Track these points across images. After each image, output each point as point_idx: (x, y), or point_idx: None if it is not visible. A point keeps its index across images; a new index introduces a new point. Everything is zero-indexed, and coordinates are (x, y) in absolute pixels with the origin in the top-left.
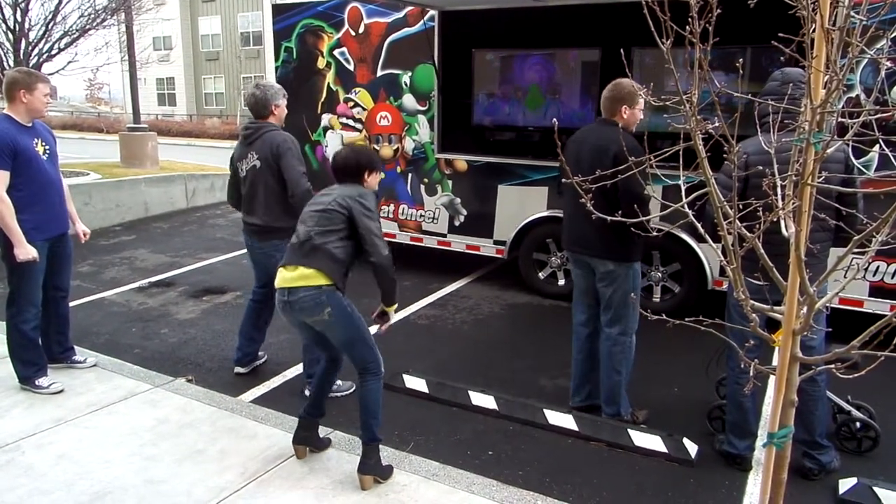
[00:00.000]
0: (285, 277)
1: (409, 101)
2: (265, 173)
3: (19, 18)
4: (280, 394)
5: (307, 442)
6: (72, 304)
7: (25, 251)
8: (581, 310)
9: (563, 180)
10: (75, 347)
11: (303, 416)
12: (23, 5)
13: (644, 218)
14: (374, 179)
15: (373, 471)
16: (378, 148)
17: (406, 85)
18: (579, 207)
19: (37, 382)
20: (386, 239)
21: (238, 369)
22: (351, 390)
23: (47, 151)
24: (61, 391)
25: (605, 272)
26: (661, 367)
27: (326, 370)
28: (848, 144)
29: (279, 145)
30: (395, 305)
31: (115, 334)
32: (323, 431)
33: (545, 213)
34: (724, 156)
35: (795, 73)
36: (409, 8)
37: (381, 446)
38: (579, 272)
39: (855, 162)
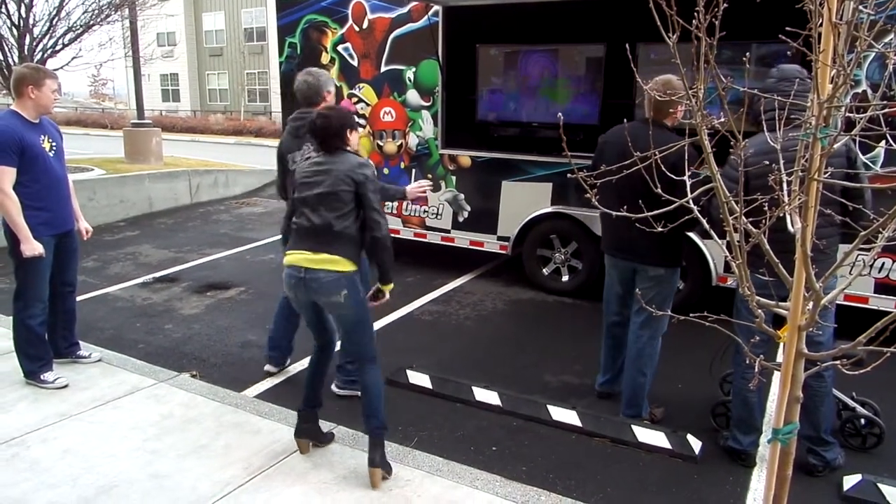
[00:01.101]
0: (306, 258)
1: (412, 96)
2: None
3: (23, 14)
4: (284, 389)
5: (309, 435)
6: (76, 299)
7: (32, 247)
8: (615, 311)
9: (588, 175)
10: (80, 342)
11: (302, 410)
12: (27, 1)
13: (651, 213)
14: (355, 138)
15: (382, 465)
16: (382, 144)
17: (410, 80)
18: (627, 212)
19: (42, 377)
20: (391, 235)
21: (269, 368)
22: None
23: (54, 148)
24: (66, 386)
25: (653, 276)
26: (666, 364)
27: (319, 359)
28: (855, 140)
29: None
30: (392, 285)
31: (120, 329)
32: (326, 426)
33: (549, 210)
34: (731, 150)
35: (792, 69)
36: (414, 3)
37: (384, 441)
38: (618, 275)
39: (860, 154)
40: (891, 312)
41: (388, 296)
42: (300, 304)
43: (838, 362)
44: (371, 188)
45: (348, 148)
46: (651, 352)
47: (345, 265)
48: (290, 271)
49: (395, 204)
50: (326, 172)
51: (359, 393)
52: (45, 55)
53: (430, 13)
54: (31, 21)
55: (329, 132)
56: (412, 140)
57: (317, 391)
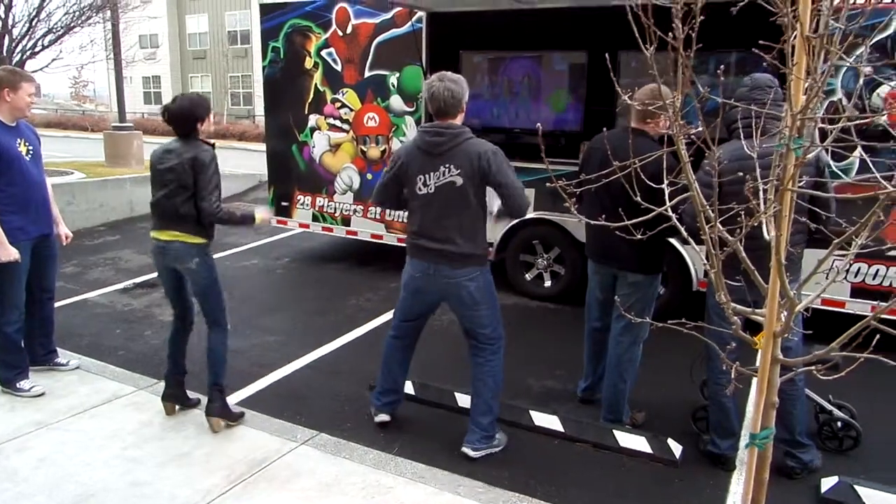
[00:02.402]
0: (164, 234)
1: (396, 102)
2: (467, 192)
3: (2, 15)
4: (266, 396)
5: (175, 399)
6: (55, 305)
7: (7, 253)
8: (596, 316)
9: (568, 183)
10: (58, 350)
11: (168, 376)
12: (6, 1)
13: (630, 222)
14: (205, 126)
15: (221, 414)
16: (365, 149)
17: (394, 86)
18: (608, 219)
19: (18, 385)
20: (373, 240)
21: (381, 417)
22: (501, 447)
23: (31, 152)
24: (43, 394)
25: (633, 282)
26: (647, 369)
27: (178, 329)
28: (827, 150)
29: (490, 159)
30: (259, 214)
31: (99, 336)
32: (308, 434)
33: (532, 215)
34: (706, 156)
35: (764, 78)
36: (397, 9)
37: (367, 448)
38: (599, 281)
39: (829, 160)
40: (867, 317)
41: (265, 214)
42: (161, 268)
43: (813, 367)
44: (205, 176)
45: (199, 135)
46: (631, 357)
47: (195, 239)
48: (154, 242)
49: (379, 209)
50: (168, 158)
51: (498, 449)
52: (25, 57)
53: (413, 19)
54: (9, 22)
55: (181, 118)
56: (396, 145)
57: (180, 360)
